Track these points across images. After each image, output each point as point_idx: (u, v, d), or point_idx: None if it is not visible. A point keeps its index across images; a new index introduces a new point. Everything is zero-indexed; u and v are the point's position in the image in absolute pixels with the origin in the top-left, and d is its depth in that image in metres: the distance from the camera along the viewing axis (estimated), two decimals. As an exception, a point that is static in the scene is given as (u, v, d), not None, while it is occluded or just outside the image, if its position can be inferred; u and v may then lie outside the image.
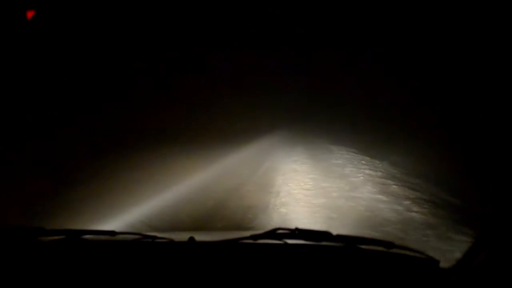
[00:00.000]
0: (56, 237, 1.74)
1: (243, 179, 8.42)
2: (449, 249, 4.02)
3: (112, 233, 1.79)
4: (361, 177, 8.54)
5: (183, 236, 1.78)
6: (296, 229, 1.63)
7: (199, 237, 1.77)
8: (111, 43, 19.03)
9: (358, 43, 21.78)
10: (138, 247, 1.74)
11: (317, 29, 24.86)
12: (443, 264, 1.51)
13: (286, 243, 1.64)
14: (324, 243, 1.61)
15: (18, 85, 12.54)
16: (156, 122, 19.99)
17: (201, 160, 11.50)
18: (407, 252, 1.61)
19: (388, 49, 19.39)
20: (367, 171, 9.17)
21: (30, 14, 10.77)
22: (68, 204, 5.68)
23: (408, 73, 17.44)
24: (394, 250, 1.59)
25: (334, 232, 1.65)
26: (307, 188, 7.48)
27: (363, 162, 10.65)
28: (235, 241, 1.64)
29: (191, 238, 1.70)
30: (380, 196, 6.52)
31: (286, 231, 1.64)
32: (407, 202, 6.12)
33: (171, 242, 1.73)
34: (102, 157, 11.36)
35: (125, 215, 5.10)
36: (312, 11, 25.78)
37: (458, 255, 3.41)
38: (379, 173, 8.88)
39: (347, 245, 1.59)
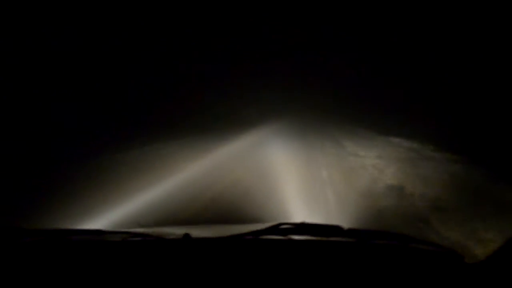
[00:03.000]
0: (37, 238, 1.58)
1: (239, 171, 8.25)
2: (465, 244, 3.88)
3: (98, 232, 1.62)
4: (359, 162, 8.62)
5: (177, 232, 1.62)
6: (302, 223, 1.47)
7: (195, 232, 1.61)
8: (113, 48, 19.04)
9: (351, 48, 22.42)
10: (128, 247, 1.57)
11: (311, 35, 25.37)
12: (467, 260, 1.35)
13: (291, 239, 1.48)
14: (333, 238, 1.45)
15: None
16: (150, 116, 19.95)
17: (196, 152, 11.36)
18: (426, 247, 1.45)
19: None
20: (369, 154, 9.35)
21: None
22: (55, 202, 5.50)
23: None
24: (412, 245, 1.44)
25: (341, 223, 1.49)
26: (307, 178, 7.34)
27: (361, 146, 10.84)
28: (235, 237, 1.48)
29: (186, 235, 1.54)
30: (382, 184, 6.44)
31: (291, 226, 1.48)
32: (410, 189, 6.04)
33: (165, 240, 1.57)
34: (92, 151, 11.25)
35: (116, 211, 4.93)
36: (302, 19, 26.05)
37: (478, 250, 3.32)
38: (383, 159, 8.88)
39: (359, 240, 1.44)
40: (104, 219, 4.54)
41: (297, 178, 6.92)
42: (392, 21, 18.02)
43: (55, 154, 9.77)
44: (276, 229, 1.47)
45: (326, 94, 29.65)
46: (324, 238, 1.45)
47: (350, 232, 1.44)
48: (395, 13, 17.35)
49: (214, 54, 25.86)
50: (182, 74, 23.86)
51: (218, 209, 5.10)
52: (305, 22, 26.99)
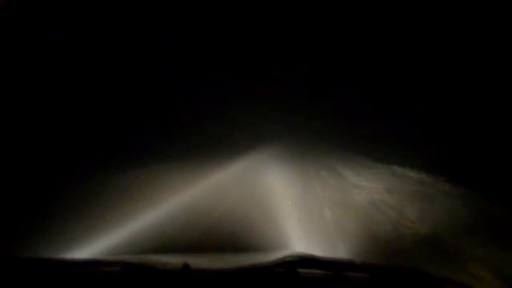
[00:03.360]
0: (33, 268, 1.46)
1: (236, 197, 8.12)
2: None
3: (95, 262, 1.52)
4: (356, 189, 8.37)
5: (176, 260, 1.51)
6: (312, 257, 1.37)
7: (194, 261, 1.50)
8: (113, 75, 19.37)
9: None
10: (126, 279, 1.46)
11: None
12: None
13: (299, 273, 1.37)
14: (346, 273, 1.34)
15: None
16: (145, 138, 19.91)
17: (194, 177, 11.23)
18: (441, 283, 1.35)
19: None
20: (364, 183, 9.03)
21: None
22: (51, 226, 5.36)
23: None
24: (427, 281, 1.34)
25: (350, 255, 1.39)
26: (309, 205, 7.18)
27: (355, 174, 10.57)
28: (240, 271, 1.37)
29: (186, 266, 1.42)
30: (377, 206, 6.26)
31: (299, 259, 1.38)
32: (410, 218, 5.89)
33: (162, 272, 1.46)
34: (89, 174, 11.13)
35: (114, 235, 4.78)
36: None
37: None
38: (379, 185, 8.68)
39: (373, 276, 1.33)
40: (100, 244, 4.39)
41: (297, 209, 6.75)
42: (394, 47, 18.28)
43: (46, 180, 9.65)
44: (285, 263, 1.36)
45: (324, 120, 29.78)
46: (335, 273, 1.35)
47: (364, 267, 1.34)
48: (398, 38, 17.63)
49: (211, 78, 26.27)
50: (179, 99, 24.15)
51: (216, 235, 4.96)
52: (306, 48, 27.50)
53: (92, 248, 4.24)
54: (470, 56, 13.40)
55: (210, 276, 1.46)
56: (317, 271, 1.37)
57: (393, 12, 17.43)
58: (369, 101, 21.67)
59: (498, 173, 8.40)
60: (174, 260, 1.67)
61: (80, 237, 4.69)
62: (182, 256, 1.65)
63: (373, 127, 18.69)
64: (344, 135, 22.50)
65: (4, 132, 11.54)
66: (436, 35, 15.02)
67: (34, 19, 13.56)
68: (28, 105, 13.40)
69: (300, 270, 1.39)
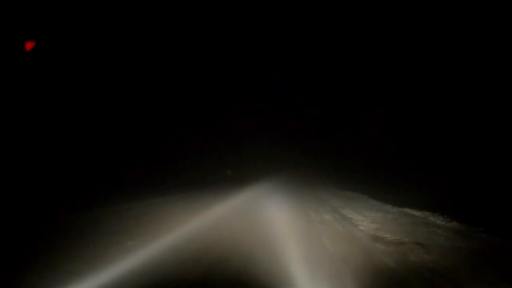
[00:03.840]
0: None
1: (243, 231, 8.01)
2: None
3: None
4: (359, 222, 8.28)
5: None
6: None
7: None
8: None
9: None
10: None
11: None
12: None
13: None
14: None
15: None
16: (144, 171, 19.86)
17: (197, 210, 11.13)
18: None
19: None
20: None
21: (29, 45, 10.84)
22: (49, 259, 5.30)
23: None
24: None
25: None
26: (311, 240, 7.11)
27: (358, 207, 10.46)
28: None
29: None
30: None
31: None
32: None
33: None
34: (88, 208, 11.06)
35: (114, 271, 4.70)
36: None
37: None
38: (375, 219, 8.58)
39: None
40: (100, 281, 4.32)
41: (299, 245, 6.66)
42: (390, 84, 18.54)
43: (43, 213, 9.61)
44: None
45: (318, 156, 29.70)
46: None
47: None
48: (393, 73, 17.93)
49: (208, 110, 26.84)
50: (178, 134, 24.51)
51: (219, 272, 4.88)
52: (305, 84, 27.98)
53: (91, 285, 4.17)
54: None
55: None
56: None
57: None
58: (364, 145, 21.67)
59: (498, 211, 8.39)
60: None
61: (78, 273, 4.62)
62: None
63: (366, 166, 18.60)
64: (339, 173, 22.23)
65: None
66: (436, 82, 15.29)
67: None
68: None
69: None
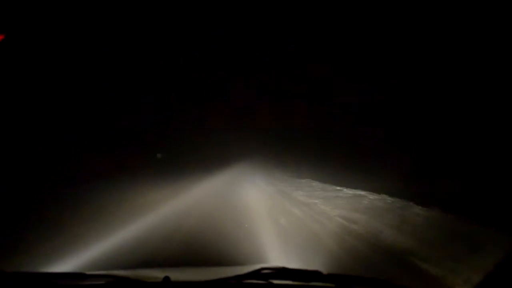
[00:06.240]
0: (18, 282, 1.53)
1: (218, 210, 8.19)
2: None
3: (81, 275, 1.61)
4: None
5: (156, 274, 1.61)
6: (283, 268, 1.50)
7: (174, 275, 1.60)
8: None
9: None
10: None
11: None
12: None
13: (272, 284, 1.50)
14: (314, 283, 1.47)
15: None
16: (118, 153, 19.72)
17: (171, 190, 11.23)
18: None
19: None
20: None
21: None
22: (29, 239, 5.31)
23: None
24: None
25: (321, 268, 1.52)
26: (290, 218, 7.35)
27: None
28: (217, 281, 1.49)
29: (166, 278, 1.53)
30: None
31: (272, 271, 1.51)
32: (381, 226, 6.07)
33: (144, 283, 1.55)
34: (67, 185, 11.00)
35: (91, 250, 4.76)
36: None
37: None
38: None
39: (339, 285, 1.47)
40: (77, 260, 4.37)
41: (272, 224, 6.86)
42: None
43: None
44: (257, 273, 1.49)
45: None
46: (304, 283, 1.48)
47: (330, 277, 1.48)
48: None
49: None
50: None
51: (192, 250, 5.00)
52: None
53: (70, 263, 4.22)
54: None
55: (190, 287, 1.57)
56: (289, 282, 1.49)
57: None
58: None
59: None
60: (154, 273, 1.76)
61: (56, 252, 4.67)
62: (162, 271, 1.75)
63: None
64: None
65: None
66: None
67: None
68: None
69: (274, 281, 1.52)
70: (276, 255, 4.83)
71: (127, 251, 4.85)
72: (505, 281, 1.25)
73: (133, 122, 22.24)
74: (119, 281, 1.55)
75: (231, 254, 4.63)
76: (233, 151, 25.45)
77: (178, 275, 1.75)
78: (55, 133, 15.82)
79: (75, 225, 6.35)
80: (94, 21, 17.87)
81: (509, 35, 10.64)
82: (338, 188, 11.54)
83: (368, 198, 9.47)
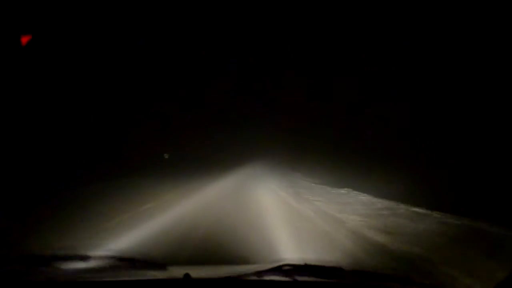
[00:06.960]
0: (18, 266, 1.56)
1: (236, 209, 8.20)
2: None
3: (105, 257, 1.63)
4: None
5: (177, 272, 1.61)
6: (305, 264, 1.48)
7: (195, 272, 1.60)
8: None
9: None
10: (128, 286, 1.56)
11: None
12: None
13: (295, 280, 1.48)
14: (336, 280, 1.45)
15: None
16: (144, 151, 19.93)
17: (190, 189, 11.32)
18: None
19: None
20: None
21: (25, 39, 10.75)
22: (44, 234, 5.42)
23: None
24: (413, 287, 1.45)
25: (344, 264, 1.50)
26: (308, 217, 7.29)
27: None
28: (237, 278, 1.48)
29: (187, 275, 1.53)
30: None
31: (294, 267, 1.49)
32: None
33: (164, 280, 1.56)
34: (88, 181, 11.19)
35: (111, 246, 4.82)
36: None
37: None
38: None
39: (361, 282, 1.44)
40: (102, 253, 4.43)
41: (289, 223, 6.79)
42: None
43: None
44: (279, 269, 1.47)
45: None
46: (326, 280, 1.45)
47: (352, 273, 1.45)
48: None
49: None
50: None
51: (211, 249, 5.00)
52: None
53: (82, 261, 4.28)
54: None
55: (211, 284, 1.56)
56: (311, 278, 1.47)
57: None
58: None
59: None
60: (175, 271, 1.76)
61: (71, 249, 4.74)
62: (182, 268, 1.75)
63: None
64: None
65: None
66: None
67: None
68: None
69: (296, 277, 1.50)
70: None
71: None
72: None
73: (141, 121, 22.52)
74: (138, 276, 1.56)
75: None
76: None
77: (198, 272, 1.75)
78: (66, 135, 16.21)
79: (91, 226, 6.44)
80: (98, 24, 18.13)
81: (509, 35, 10.49)
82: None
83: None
